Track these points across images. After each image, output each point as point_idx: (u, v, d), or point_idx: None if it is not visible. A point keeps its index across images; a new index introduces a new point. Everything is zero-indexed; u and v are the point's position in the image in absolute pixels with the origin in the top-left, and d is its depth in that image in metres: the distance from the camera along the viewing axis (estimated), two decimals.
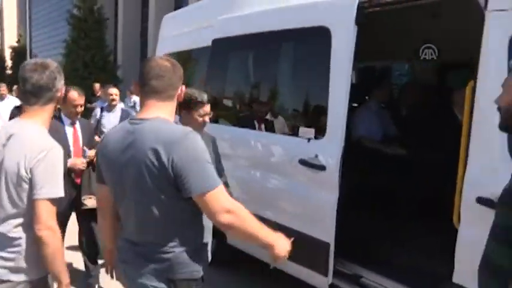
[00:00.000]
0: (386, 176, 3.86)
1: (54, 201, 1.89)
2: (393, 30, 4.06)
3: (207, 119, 2.90)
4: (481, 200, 2.31)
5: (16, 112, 5.13)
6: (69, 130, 3.63)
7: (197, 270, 1.85)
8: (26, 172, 1.86)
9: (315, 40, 3.35)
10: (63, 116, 3.64)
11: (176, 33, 5.16)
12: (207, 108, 2.89)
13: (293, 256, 3.40)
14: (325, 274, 3.20)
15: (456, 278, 2.50)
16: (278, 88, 3.79)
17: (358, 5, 2.99)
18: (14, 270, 1.94)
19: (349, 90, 3.04)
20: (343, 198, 3.16)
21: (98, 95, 12.29)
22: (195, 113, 2.83)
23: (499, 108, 1.70)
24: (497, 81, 2.22)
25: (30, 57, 24.94)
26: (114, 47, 19.92)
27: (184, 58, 5.13)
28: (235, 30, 4.01)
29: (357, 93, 4.24)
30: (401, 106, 4.64)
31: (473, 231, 2.39)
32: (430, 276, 2.82)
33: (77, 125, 3.69)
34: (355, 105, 4.57)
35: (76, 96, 3.59)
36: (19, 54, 27.39)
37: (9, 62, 29.21)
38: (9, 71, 28.03)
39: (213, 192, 1.72)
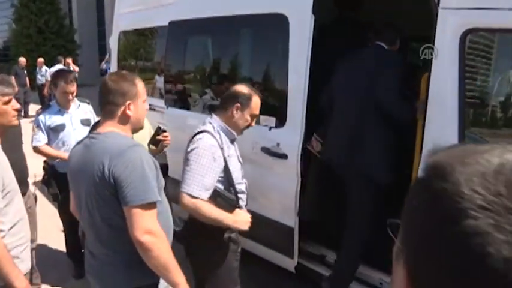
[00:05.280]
0: None
1: None
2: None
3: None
4: None
5: None
6: None
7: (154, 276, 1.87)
8: None
9: (273, 27, 3.30)
10: None
11: (133, 10, 4.96)
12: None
13: (262, 239, 3.54)
14: (291, 256, 3.34)
15: None
16: (238, 75, 3.73)
17: None
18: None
19: (308, 80, 3.04)
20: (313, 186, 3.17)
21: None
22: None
23: None
24: (449, 76, 2.31)
25: None
26: (68, 9, 18.98)
27: (142, 36, 4.98)
28: (192, 13, 3.89)
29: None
30: None
31: None
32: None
33: None
34: None
35: None
36: None
37: None
38: None
39: (140, 207, 1.74)
